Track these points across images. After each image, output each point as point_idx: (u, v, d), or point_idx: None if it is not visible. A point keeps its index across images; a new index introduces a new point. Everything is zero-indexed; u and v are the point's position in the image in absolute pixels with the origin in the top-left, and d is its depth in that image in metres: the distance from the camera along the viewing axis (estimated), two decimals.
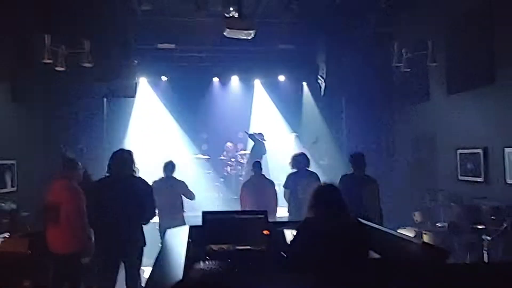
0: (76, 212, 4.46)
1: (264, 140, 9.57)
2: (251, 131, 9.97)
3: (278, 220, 6.25)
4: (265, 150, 9.51)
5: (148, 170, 7.69)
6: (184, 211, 6.29)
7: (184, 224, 5.67)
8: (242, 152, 10.20)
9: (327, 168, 8.92)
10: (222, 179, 10.06)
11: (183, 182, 6.41)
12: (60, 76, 7.11)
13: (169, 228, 4.19)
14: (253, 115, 10.91)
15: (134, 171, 4.54)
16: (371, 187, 5.61)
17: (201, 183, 10.03)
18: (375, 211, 5.41)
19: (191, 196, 6.37)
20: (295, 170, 6.29)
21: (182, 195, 6.28)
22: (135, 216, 4.36)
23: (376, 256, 3.27)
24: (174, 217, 5.91)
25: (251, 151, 9.61)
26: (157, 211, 6.13)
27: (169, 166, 6.36)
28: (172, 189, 6.22)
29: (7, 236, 5.20)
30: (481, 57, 6.36)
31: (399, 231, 6.67)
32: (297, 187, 5.95)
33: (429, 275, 2.67)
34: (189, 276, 2.56)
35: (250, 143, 9.93)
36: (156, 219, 6.24)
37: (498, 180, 6.11)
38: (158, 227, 6.04)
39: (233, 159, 10.15)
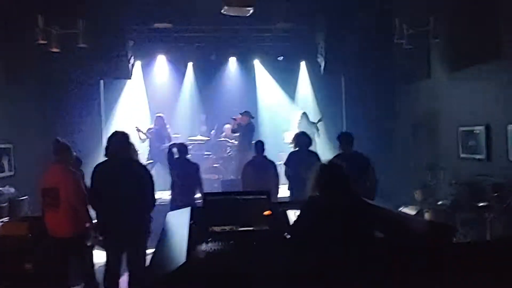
0: (75, 195, 4.40)
1: (252, 117, 9.44)
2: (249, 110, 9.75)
3: (279, 199, 6.23)
4: (253, 128, 9.39)
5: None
6: (197, 193, 6.26)
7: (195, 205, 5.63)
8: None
9: (326, 148, 8.87)
10: (221, 161, 9.96)
11: (197, 164, 6.40)
12: (54, 58, 6.97)
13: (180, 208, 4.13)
14: (252, 95, 10.76)
15: (131, 153, 4.45)
16: (363, 163, 5.60)
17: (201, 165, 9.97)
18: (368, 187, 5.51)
19: (199, 181, 6.32)
20: (297, 149, 6.27)
21: (195, 178, 6.25)
22: (133, 200, 4.30)
23: (380, 235, 3.23)
24: (186, 200, 5.89)
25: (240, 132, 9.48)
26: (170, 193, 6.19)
27: (182, 148, 6.34)
28: (186, 170, 6.20)
29: (7, 220, 5.16)
30: (485, 32, 6.23)
31: (400, 209, 6.68)
32: (298, 166, 5.89)
33: (436, 253, 2.64)
34: (193, 259, 2.52)
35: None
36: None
37: (500, 157, 6.06)
38: (169, 208, 5.99)
39: (233, 141, 10.06)
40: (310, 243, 2.86)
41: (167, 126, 9.41)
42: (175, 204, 5.92)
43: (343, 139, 5.74)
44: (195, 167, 6.34)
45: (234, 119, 9.26)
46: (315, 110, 9.96)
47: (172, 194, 6.27)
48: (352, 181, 5.08)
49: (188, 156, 6.50)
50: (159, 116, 9.35)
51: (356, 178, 5.33)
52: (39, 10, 6.42)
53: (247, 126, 9.09)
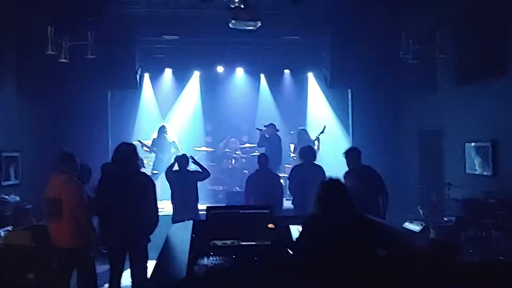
0: (78, 206, 4.40)
1: (277, 130, 9.32)
2: (259, 125, 9.68)
3: (283, 212, 6.22)
4: (279, 141, 9.24)
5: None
6: (198, 204, 6.32)
7: (198, 217, 5.65)
8: (247, 145, 10.08)
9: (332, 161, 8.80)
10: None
11: (196, 172, 6.46)
12: (63, 68, 7.06)
13: (183, 221, 4.14)
14: (258, 106, 10.79)
15: (138, 165, 4.49)
16: (376, 179, 5.54)
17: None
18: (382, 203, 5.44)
19: (205, 174, 6.46)
20: (301, 162, 6.25)
21: (196, 188, 6.29)
22: (137, 211, 4.31)
23: (383, 252, 3.21)
24: (188, 210, 5.91)
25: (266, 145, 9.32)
26: (171, 204, 6.24)
27: (183, 159, 6.39)
28: (186, 181, 6.23)
29: (11, 229, 5.18)
30: (492, 47, 6.23)
31: (405, 225, 6.63)
32: (302, 180, 5.87)
33: (437, 273, 2.61)
34: (193, 273, 2.51)
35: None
36: (170, 212, 6.32)
37: (507, 174, 6.01)
38: (171, 220, 6.00)
39: (237, 152, 10.07)
40: (312, 260, 2.85)
41: (170, 135, 9.28)
42: (177, 217, 5.94)
43: (352, 155, 5.61)
44: (195, 177, 6.41)
45: (260, 129, 9.22)
46: (321, 122, 9.90)
47: (173, 207, 6.30)
48: (366, 197, 5.00)
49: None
50: (162, 125, 9.30)
51: (371, 195, 5.27)
52: (50, 21, 6.53)
53: (274, 138, 9.04)
